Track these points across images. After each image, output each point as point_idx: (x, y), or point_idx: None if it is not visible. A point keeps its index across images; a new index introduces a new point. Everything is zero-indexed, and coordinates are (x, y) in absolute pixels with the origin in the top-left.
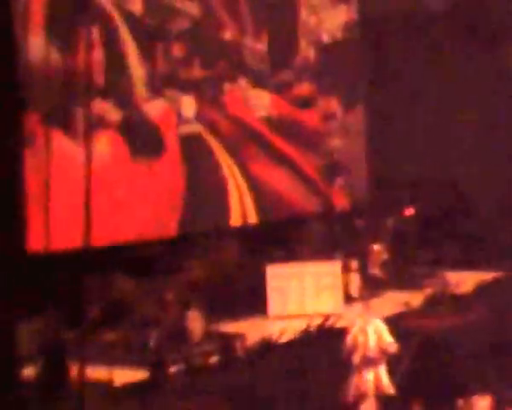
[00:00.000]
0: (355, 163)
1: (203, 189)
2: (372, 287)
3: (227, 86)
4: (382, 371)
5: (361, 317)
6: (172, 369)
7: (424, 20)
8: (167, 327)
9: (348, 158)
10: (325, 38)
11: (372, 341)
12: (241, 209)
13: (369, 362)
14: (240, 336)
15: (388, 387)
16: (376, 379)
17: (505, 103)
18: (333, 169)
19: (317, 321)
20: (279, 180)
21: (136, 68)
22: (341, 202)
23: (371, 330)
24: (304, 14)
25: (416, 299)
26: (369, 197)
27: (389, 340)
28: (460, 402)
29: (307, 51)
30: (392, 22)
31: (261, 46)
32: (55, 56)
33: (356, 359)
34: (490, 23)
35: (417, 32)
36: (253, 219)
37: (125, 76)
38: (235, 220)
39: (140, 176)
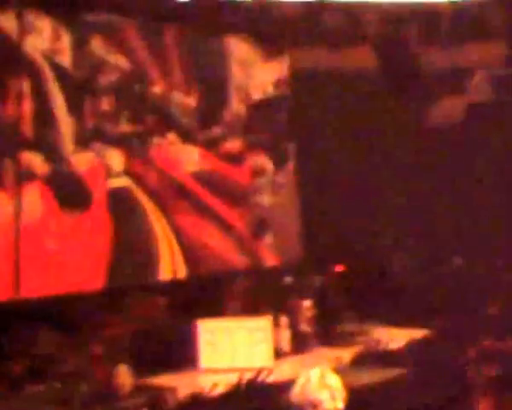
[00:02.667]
0: (285, 220)
1: (131, 242)
2: (302, 343)
3: (156, 141)
4: None
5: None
6: None
7: (354, 77)
8: (95, 381)
9: (278, 215)
10: (256, 95)
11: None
12: (171, 264)
13: None
14: (171, 390)
15: None
16: None
17: (432, 159)
18: (262, 225)
19: (249, 375)
20: (208, 235)
21: (65, 121)
22: (270, 258)
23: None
24: (235, 70)
25: (345, 355)
26: (299, 254)
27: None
28: None
29: (238, 107)
30: (323, 78)
31: (191, 101)
32: None
33: None
34: (418, 81)
35: (348, 89)
36: (182, 273)
37: (53, 129)
38: (164, 275)
39: (68, 229)
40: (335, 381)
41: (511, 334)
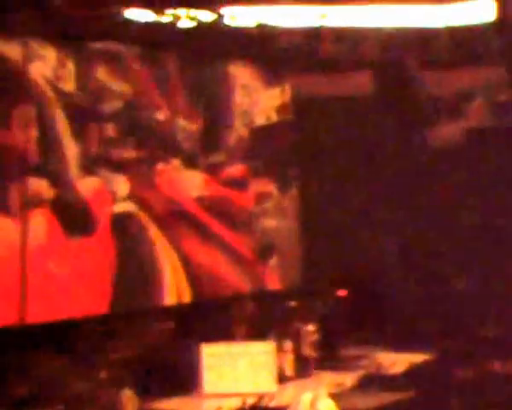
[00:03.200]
0: (288, 244)
1: (136, 267)
2: (305, 367)
3: (160, 166)
4: None
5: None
6: None
7: (355, 102)
8: (100, 406)
9: (282, 239)
10: (259, 120)
11: None
12: (175, 288)
13: None
14: None
15: None
16: None
17: (432, 182)
18: (266, 249)
19: (252, 400)
20: (212, 259)
21: (70, 147)
22: (274, 282)
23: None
24: (238, 95)
25: (348, 380)
26: (302, 278)
27: None
28: None
29: (241, 132)
30: (324, 104)
31: (194, 127)
32: None
33: None
34: (417, 106)
35: (348, 114)
36: (186, 297)
37: (58, 154)
38: (168, 299)
39: (73, 253)
40: (327, 406)
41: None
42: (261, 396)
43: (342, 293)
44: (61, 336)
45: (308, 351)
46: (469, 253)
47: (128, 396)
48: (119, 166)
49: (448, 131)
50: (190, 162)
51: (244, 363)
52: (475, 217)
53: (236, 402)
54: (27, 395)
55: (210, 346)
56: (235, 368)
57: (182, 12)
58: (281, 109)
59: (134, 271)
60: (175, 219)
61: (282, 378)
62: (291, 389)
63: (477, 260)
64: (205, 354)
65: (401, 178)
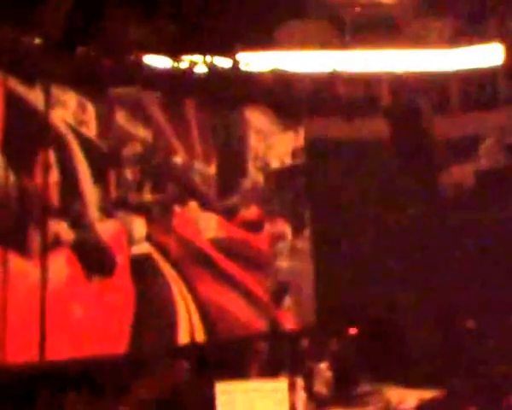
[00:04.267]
0: (302, 284)
1: (153, 308)
2: (318, 405)
3: (177, 209)
4: None
5: None
6: None
7: (368, 146)
8: None
9: (296, 279)
10: (274, 164)
11: None
12: (190, 328)
13: None
14: None
15: None
16: None
17: (442, 227)
18: (281, 290)
19: None
20: (227, 300)
21: (90, 190)
22: (289, 321)
23: None
24: (253, 139)
25: None
26: (315, 318)
27: None
28: None
29: (256, 176)
30: (338, 147)
31: (210, 170)
32: (12, 179)
33: None
34: (430, 149)
35: (361, 157)
36: (200, 337)
37: (78, 197)
38: (183, 339)
39: (92, 294)
40: None
41: None
42: None
43: (353, 331)
44: (81, 376)
45: (321, 388)
46: (477, 292)
47: None
48: (138, 209)
49: (461, 173)
50: (207, 205)
51: (258, 400)
52: (488, 259)
53: None
54: None
55: (224, 384)
56: (249, 405)
57: (199, 58)
58: (295, 153)
59: (151, 311)
60: (191, 260)
61: None
62: None
63: (490, 301)
64: (219, 391)
65: (413, 219)
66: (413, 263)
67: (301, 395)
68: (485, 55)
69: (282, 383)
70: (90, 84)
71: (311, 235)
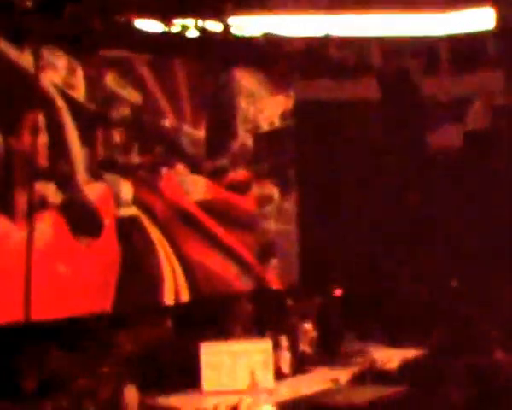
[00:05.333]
0: (288, 245)
1: (138, 268)
2: (302, 364)
3: (164, 171)
4: None
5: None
6: None
7: (358, 107)
8: (103, 400)
9: (282, 240)
10: (263, 126)
11: None
12: (175, 288)
13: None
14: None
15: None
16: None
17: (430, 188)
18: (268, 250)
19: (249, 397)
20: (213, 261)
21: (78, 152)
22: (275, 281)
23: None
24: (243, 102)
25: (343, 376)
26: (300, 278)
27: None
28: None
29: (245, 138)
30: (327, 109)
31: (199, 133)
32: None
33: None
34: (419, 110)
35: (351, 119)
36: (185, 297)
37: (66, 160)
38: (168, 299)
39: (79, 255)
40: None
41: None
42: (258, 393)
43: (338, 293)
44: (66, 333)
45: (306, 348)
46: (461, 252)
47: (130, 391)
48: (125, 171)
49: (449, 134)
50: (194, 167)
51: (242, 360)
52: (474, 219)
53: (234, 399)
54: (33, 388)
55: (209, 344)
56: (233, 366)
57: (190, 22)
58: (284, 115)
59: (136, 271)
60: (178, 222)
61: (279, 375)
62: (288, 385)
63: (475, 261)
64: (204, 352)
65: (400, 180)
66: (399, 223)
67: (286, 356)
68: (476, 20)
69: (266, 344)
70: (79, 46)
71: (297, 197)
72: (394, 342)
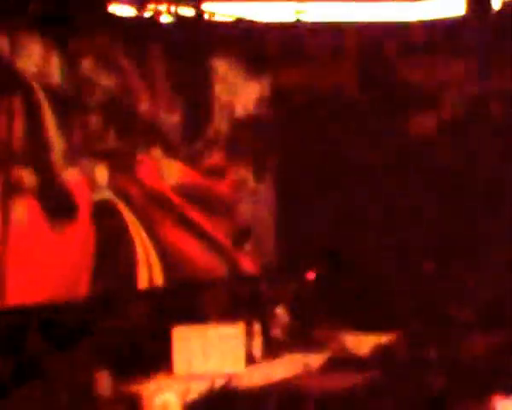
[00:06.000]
0: (263, 230)
1: (113, 252)
2: (274, 349)
3: (140, 156)
4: None
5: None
6: None
7: (334, 93)
8: (77, 386)
9: (257, 225)
10: (238, 112)
11: None
12: (149, 273)
13: None
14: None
15: None
16: None
17: (410, 168)
18: (242, 235)
19: (221, 381)
20: (187, 245)
21: (54, 137)
22: (249, 266)
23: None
24: (218, 88)
25: (315, 361)
26: (275, 262)
27: None
28: None
29: (220, 124)
30: (303, 97)
31: (175, 118)
32: None
33: None
34: (395, 96)
35: (328, 105)
36: (160, 282)
37: (42, 144)
38: (142, 284)
39: (54, 240)
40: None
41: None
42: (229, 377)
43: (311, 276)
44: (40, 319)
45: (278, 333)
46: (441, 235)
47: (104, 377)
48: (101, 156)
49: (424, 121)
50: (170, 152)
51: (214, 346)
52: (448, 202)
53: (205, 384)
54: (7, 374)
55: (181, 329)
56: (204, 350)
57: (163, 7)
58: (260, 102)
59: (110, 256)
60: (153, 207)
61: (251, 360)
62: (259, 370)
63: (450, 244)
64: (175, 336)
65: (376, 163)
66: (374, 209)
67: (258, 340)
68: (448, 6)
69: (239, 329)
70: (54, 32)
71: (274, 181)
72: (367, 327)
